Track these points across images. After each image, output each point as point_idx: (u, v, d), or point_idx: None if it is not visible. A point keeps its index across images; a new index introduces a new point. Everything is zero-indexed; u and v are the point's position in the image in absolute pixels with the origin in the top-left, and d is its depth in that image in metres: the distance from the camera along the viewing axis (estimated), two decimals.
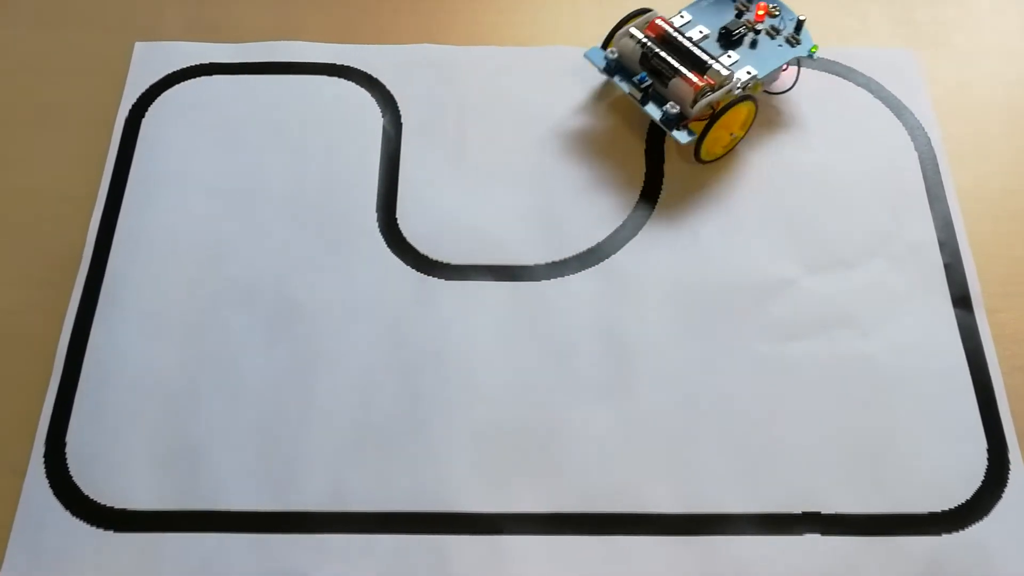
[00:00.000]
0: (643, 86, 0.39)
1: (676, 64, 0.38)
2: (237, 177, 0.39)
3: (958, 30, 0.43)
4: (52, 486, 0.33)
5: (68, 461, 0.33)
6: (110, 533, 0.32)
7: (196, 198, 0.38)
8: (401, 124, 0.40)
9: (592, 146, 0.40)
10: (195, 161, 0.39)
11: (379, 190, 0.39)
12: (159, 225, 0.38)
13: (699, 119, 0.38)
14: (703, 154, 0.38)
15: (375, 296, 0.36)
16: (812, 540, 0.32)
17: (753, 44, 0.40)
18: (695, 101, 0.37)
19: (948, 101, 0.41)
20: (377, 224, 0.38)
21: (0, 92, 0.41)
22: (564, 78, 0.42)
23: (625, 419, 0.34)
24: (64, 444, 0.33)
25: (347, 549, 0.32)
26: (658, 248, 0.37)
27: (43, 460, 0.33)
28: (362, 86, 0.41)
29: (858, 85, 0.41)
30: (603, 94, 0.41)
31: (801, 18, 0.40)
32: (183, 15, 0.43)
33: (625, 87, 0.39)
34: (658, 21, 0.39)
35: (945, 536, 0.32)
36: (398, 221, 0.38)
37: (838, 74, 0.42)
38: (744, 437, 0.33)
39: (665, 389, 0.34)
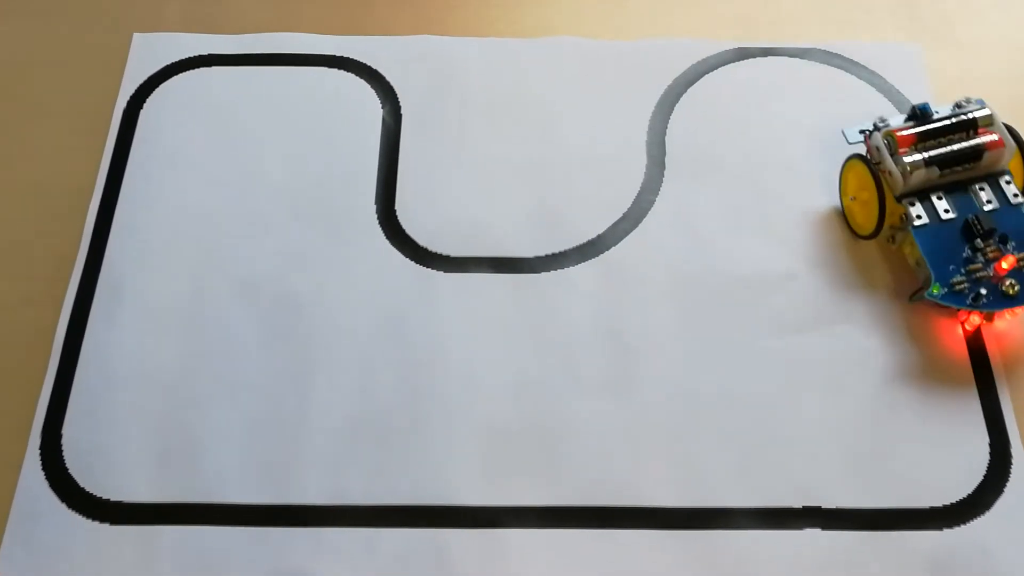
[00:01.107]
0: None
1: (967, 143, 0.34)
2: (235, 169, 0.39)
3: (961, 23, 0.43)
4: (48, 478, 0.32)
5: (64, 453, 0.33)
6: (106, 526, 0.32)
7: (194, 190, 0.38)
8: (401, 115, 0.40)
9: (593, 137, 0.40)
10: (193, 153, 0.39)
11: (378, 182, 0.39)
12: (156, 218, 0.38)
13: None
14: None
15: (373, 288, 0.36)
16: (813, 535, 0.32)
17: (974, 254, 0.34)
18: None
19: (950, 94, 0.41)
20: (376, 216, 0.38)
21: None
22: (565, 70, 0.41)
23: (625, 412, 0.34)
24: (60, 436, 0.33)
25: (346, 543, 0.31)
26: (659, 241, 0.37)
27: (39, 452, 0.33)
28: (361, 77, 0.41)
29: (860, 78, 0.41)
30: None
31: None
32: (181, 6, 0.43)
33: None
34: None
35: (946, 531, 0.32)
36: (397, 213, 0.38)
37: (840, 67, 0.41)
38: (745, 431, 0.33)
39: (665, 382, 0.34)
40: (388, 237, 0.37)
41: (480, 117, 0.40)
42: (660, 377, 0.34)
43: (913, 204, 0.35)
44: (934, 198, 0.35)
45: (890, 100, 0.41)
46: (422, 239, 0.37)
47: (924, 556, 0.31)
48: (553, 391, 0.34)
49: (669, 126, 0.40)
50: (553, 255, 0.37)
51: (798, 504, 0.32)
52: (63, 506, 0.32)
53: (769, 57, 0.42)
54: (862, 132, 0.37)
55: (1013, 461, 0.33)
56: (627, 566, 0.31)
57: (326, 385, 0.34)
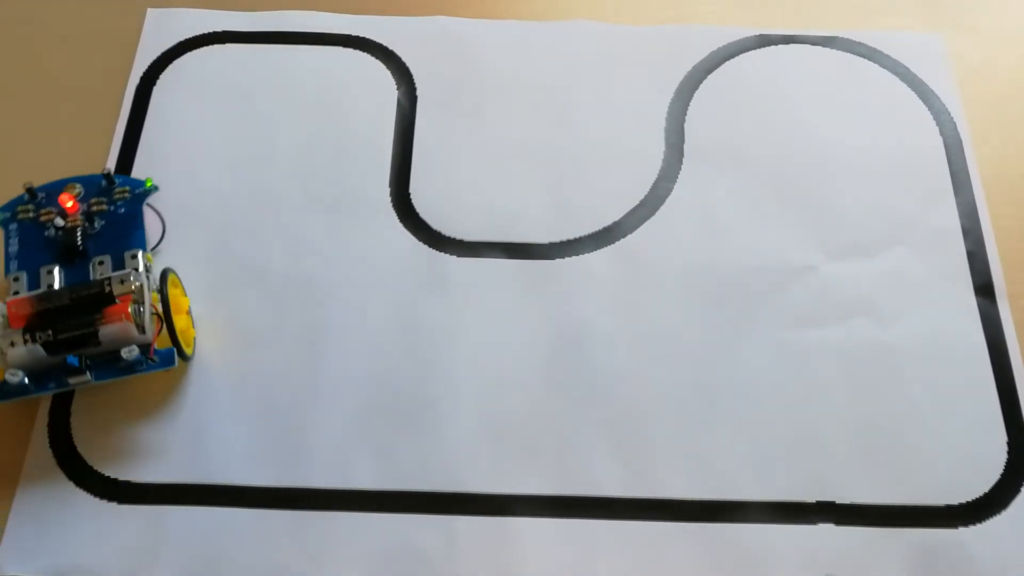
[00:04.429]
0: (83, 366, 0.31)
1: (82, 321, 0.31)
2: (247, 148, 0.38)
3: (983, 12, 0.43)
4: (56, 456, 0.32)
5: (73, 432, 0.33)
6: (114, 504, 0.31)
7: (205, 169, 0.38)
8: (416, 97, 0.40)
9: (610, 123, 0.39)
10: (205, 132, 0.39)
11: (392, 164, 0.38)
12: (168, 197, 0.37)
13: (157, 335, 0.32)
14: (187, 350, 0.33)
15: (386, 271, 0.36)
16: (826, 530, 0.31)
17: (98, 233, 0.34)
18: (140, 325, 0.31)
19: (972, 84, 0.40)
20: (390, 198, 0.37)
21: (7, 61, 0.41)
22: (583, 53, 0.41)
23: (637, 402, 0.33)
24: (69, 414, 0.33)
25: (353, 527, 0.31)
26: (676, 229, 0.37)
27: (47, 431, 0.33)
28: (377, 58, 0.41)
29: (884, 68, 0.41)
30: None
31: (105, 172, 0.35)
32: None
33: (73, 383, 0.31)
34: (11, 307, 0.31)
35: (962, 529, 0.31)
36: (411, 195, 0.37)
37: (863, 56, 0.41)
38: (759, 424, 0.33)
39: (680, 372, 0.34)
40: (401, 220, 0.37)
41: (496, 100, 0.40)
42: (674, 367, 0.34)
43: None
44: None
45: (913, 90, 0.40)
46: (436, 223, 0.37)
47: (939, 554, 0.31)
48: (565, 379, 0.34)
49: (688, 113, 0.39)
50: (568, 241, 0.36)
51: (812, 499, 0.32)
52: (71, 484, 0.32)
53: (791, 44, 0.41)
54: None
55: None
56: (638, 557, 0.31)
57: (336, 368, 0.34)
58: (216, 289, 0.35)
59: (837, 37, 0.41)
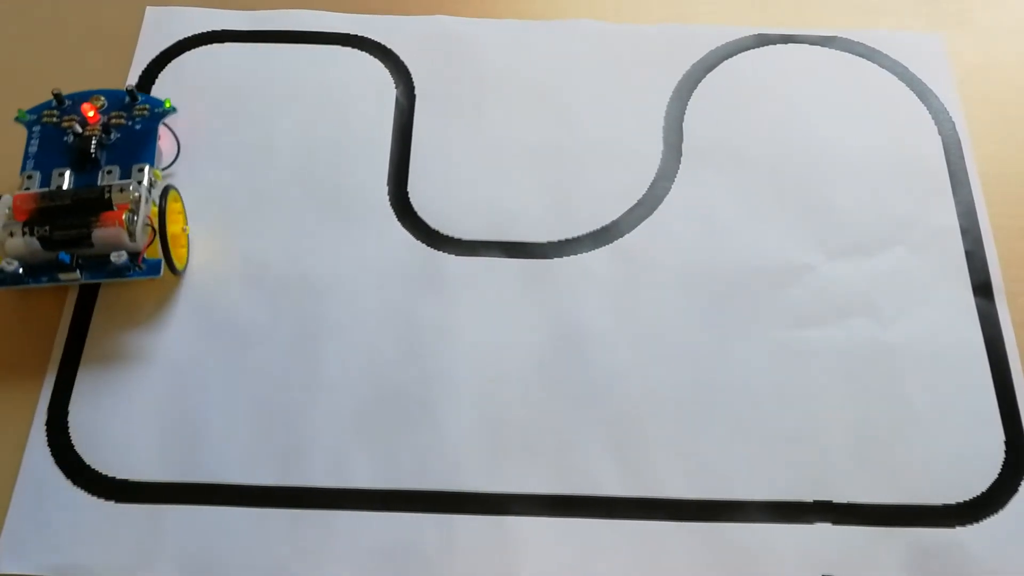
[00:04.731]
0: (74, 264, 0.33)
1: (79, 221, 0.33)
2: (247, 147, 0.38)
3: (981, 8, 0.43)
4: (54, 454, 0.32)
5: (71, 430, 0.33)
6: (111, 503, 0.31)
7: (204, 168, 0.38)
8: (414, 96, 0.40)
9: (609, 123, 0.39)
10: (204, 130, 0.39)
11: (391, 162, 0.38)
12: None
13: (150, 242, 0.34)
14: (178, 266, 0.34)
15: (384, 270, 0.36)
16: (823, 529, 0.31)
17: (113, 144, 0.36)
18: (132, 232, 0.33)
19: (970, 82, 0.40)
20: (388, 197, 0.37)
21: (5, 58, 0.41)
22: (582, 52, 0.41)
23: (635, 401, 0.33)
24: (67, 413, 0.33)
25: (351, 526, 0.31)
26: (674, 228, 0.37)
27: (45, 429, 0.33)
28: (375, 57, 0.41)
29: (883, 67, 0.41)
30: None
31: (128, 88, 0.37)
32: None
33: (63, 279, 0.33)
34: (17, 200, 0.33)
35: (959, 528, 0.31)
36: (409, 194, 0.37)
37: (862, 56, 0.41)
38: (757, 423, 0.33)
39: (677, 372, 0.34)
40: (400, 219, 0.37)
41: (495, 99, 0.40)
42: (672, 366, 0.34)
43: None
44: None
45: (912, 90, 0.40)
46: (434, 222, 0.37)
47: (936, 554, 0.31)
48: (564, 378, 0.34)
49: (686, 112, 0.39)
50: (566, 241, 0.36)
51: (809, 498, 0.32)
52: (68, 483, 0.32)
53: (789, 44, 0.41)
54: None
55: None
56: (635, 556, 0.31)
57: (334, 367, 0.34)
58: (213, 286, 0.35)
59: (836, 37, 0.41)
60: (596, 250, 0.36)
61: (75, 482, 0.32)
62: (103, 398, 0.33)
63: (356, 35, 0.41)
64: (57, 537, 0.31)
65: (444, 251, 0.36)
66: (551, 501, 0.32)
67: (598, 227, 0.37)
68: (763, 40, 0.41)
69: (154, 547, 0.31)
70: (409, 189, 0.38)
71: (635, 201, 0.37)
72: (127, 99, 0.37)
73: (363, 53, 0.41)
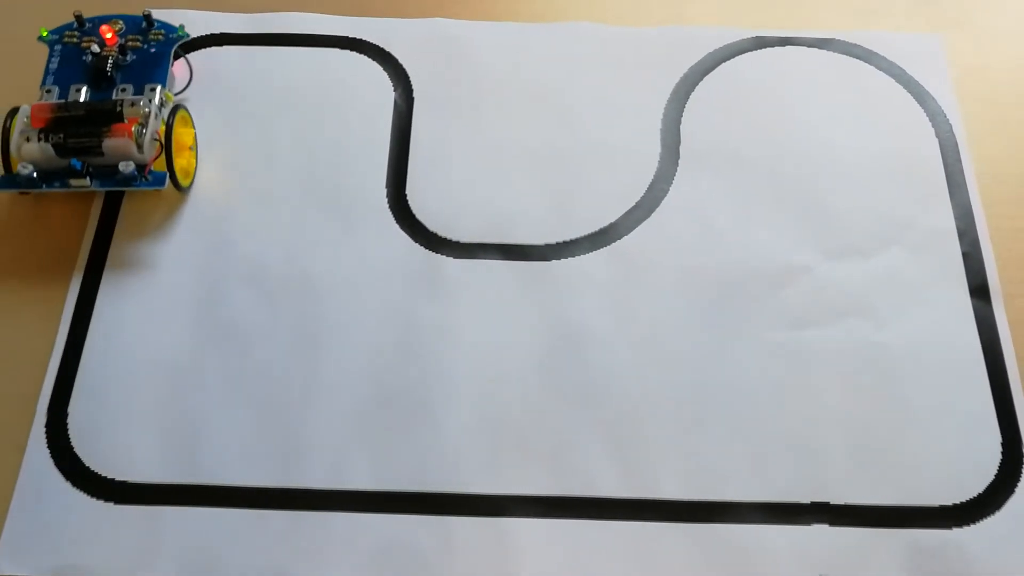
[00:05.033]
0: (84, 171, 0.35)
1: (92, 131, 0.35)
2: (246, 149, 0.39)
3: (980, 10, 0.43)
4: (53, 456, 0.32)
5: (70, 432, 0.33)
6: (110, 505, 0.32)
7: (205, 169, 0.38)
8: (413, 99, 0.40)
9: (607, 125, 0.39)
10: (205, 133, 0.39)
11: (389, 165, 0.38)
12: (166, 196, 0.37)
13: (158, 155, 0.36)
14: (182, 181, 0.37)
15: (382, 272, 0.36)
16: (820, 530, 0.31)
17: (128, 65, 0.38)
18: (140, 144, 0.35)
19: (968, 83, 0.40)
20: (386, 199, 0.37)
21: (5, 60, 0.41)
22: (580, 55, 0.41)
23: (633, 403, 0.33)
24: (66, 414, 0.33)
25: (350, 528, 0.31)
26: (671, 230, 0.37)
27: (44, 430, 0.33)
28: (374, 59, 0.41)
29: (880, 69, 0.41)
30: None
31: (145, 13, 0.39)
32: None
33: (74, 185, 0.35)
34: (35, 109, 0.35)
35: (956, 529, 0.31)
36: (407, 197, 0.38)
37: (860, 58, 0.41)
38: (754, 425, 0.33)
39: (675, 374, 0.34)
40: (398, 221, 0.37)
41: (493, 102, 0.40)
42: (670, 368, 0.34)
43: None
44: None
45: (909, 92, 0.40)
46: (432, 224, 0.37)
47: (933, 554, 0.31)
48: (561, 380, 0.34)
49: (684, 115, 0.39)
50: (564, 243, 0.37)
51: (806, 499, 0.32)
52: (68, 484, 0.32)
53: (787, 46, 0.41)
54: None
55: None
56: (632, 557, 0.31)
57: (333, 369, 0.34)
58: (212, 288, 0.35)
59: (834, 39, 0.41)
60: (594, 252, 0.36)
61: (74, 484, 0.32)
62: (102, 400, 0.33)
63: (355, 38, 0.41)
64: (57, 539, 0.31)
65: (442, 253, 0.36)
66: (549, 503, 0.32)
67: (596, 229, 0.37)
68: (761, 42, 0.41)
69: (153, 548, 0.31)
70: (408, 191, 0.38)
71: (633, 203, 0.37)
72: (144, 24, 0.39)
73: (362, 56, 0.41)
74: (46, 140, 0.35)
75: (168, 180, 0.36)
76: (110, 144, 0.35)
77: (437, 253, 0.36)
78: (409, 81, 0.40)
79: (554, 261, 0.36)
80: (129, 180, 0.35)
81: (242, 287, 0.36)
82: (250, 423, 0.33)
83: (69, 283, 0.36)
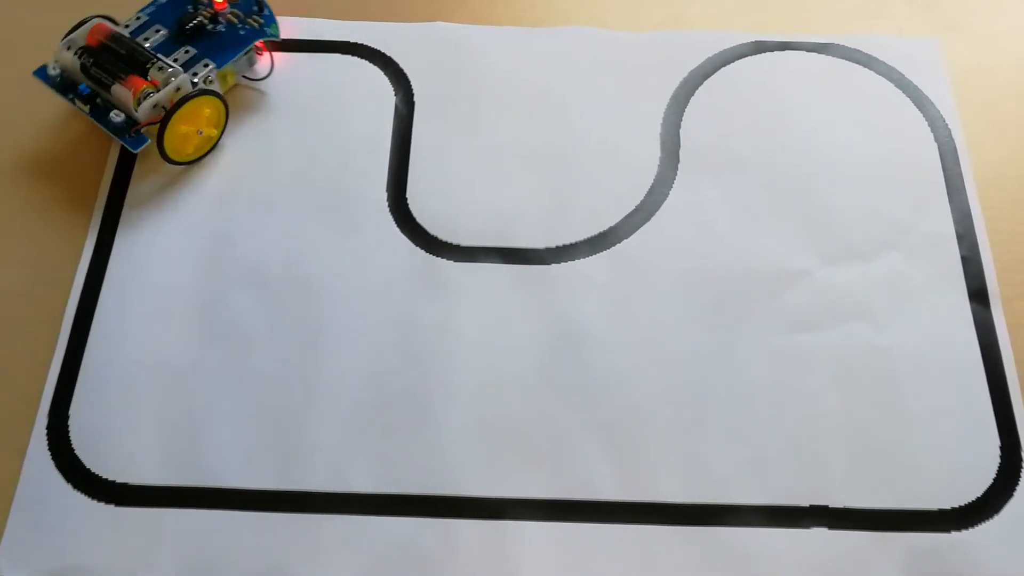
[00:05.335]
0: (87, 99, 0.37)
1: (115, 70, 0.36)
2: (247, 153, 0.39)
3: (978, 13, 0.43)
4: (54, 458, 0.32)
5: (71, 434, 0.33)
6: (111, 507, 0.32)
7: (205, 173, 0.38)
8: (414, 103, 0.40)
9: (607, 129, 0.39)
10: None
11: (390, 169, 0.38)
12: (167, 200, 0.38)
13: (154, 122, 0.36)
14: (171, 154, 0.37)
15: (383, 276, 0.36)
16: (819, 534, 0.31)
17: (216, 35, 0.39)
18: (139, 103, 0.36)
19: (967, 87, 0.41)
20: (387, 203, 0.38)
21: (4, 67, 0.41)
22: (580, 59, 0.41)
23: (633, 406, 0.33)
24: (67, 417, 0.33)
25: (350, 530, 0.31)
26: (671, 234, 0.37)
27: (45, 432, 0.33)
28: (374, 64, 0.41)
29: (879, 74, 0.41)
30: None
31: None
32: None
33: (76, 104, 0.37)
34: (95, 29, 0.37)
35: (954, 533, 0.31)
36: (408, 200, 0.38)
37: (859, 62, 0.41)
38: (753, 428, 0.33)
39: (674, 377, 0.34)
40: (399, 225, 0.37)
41: (493, 106, 0.40)
42: (669, 371, 0.34)
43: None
44: None
45: (908, 96, 0.40)
46: (432, 228, 0.37)
47: (931, 558, 0.31)
48: (560, 383, 0.34)
49: (684, 119, 0.40)
50: (564, 247, 0.37)
51: (805, 503, 0.32)
52: (68, 486, 0.32)
53: (786, 51, 0.41)
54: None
55: None
56: (632, 561, 0.31)
57: (333, 372, 0.34)
58: (213, 292, 0.35)
59: (832, 44, 0.41)
60: (594, 256, 0.36)
61: (75, 486, 0.32)
62: (103, 402, 0.33)
63: (355, 43, 0.41)
64: (58, 541, 0.31)
65: (443, 257, 0.36)
66: (549, 505, 0.32)
67: (596, 233, 0.37)
68: (760, 47, 0.41)
69: (154, 550, 0.31)
70: (408, 195, 0.38)
71: (633, 207, 0.38)
72: (255, 7, 0.39)
73: (362, 60, 0.41)
74: (80, 57, 0.37)
75: (147, 147, 0.37)
76: (117, 91, 0.36)
77: (437, 256, 0.36)
78: (410, 85, 0.40)
79: (554, 265, 0.36)
80: (116, 129, 0.37)
81: (243, 290, 0.36)
82: (250, 426, 0.33)
83: (70, 285, 0.36)
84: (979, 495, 0.32)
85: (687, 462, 0.32)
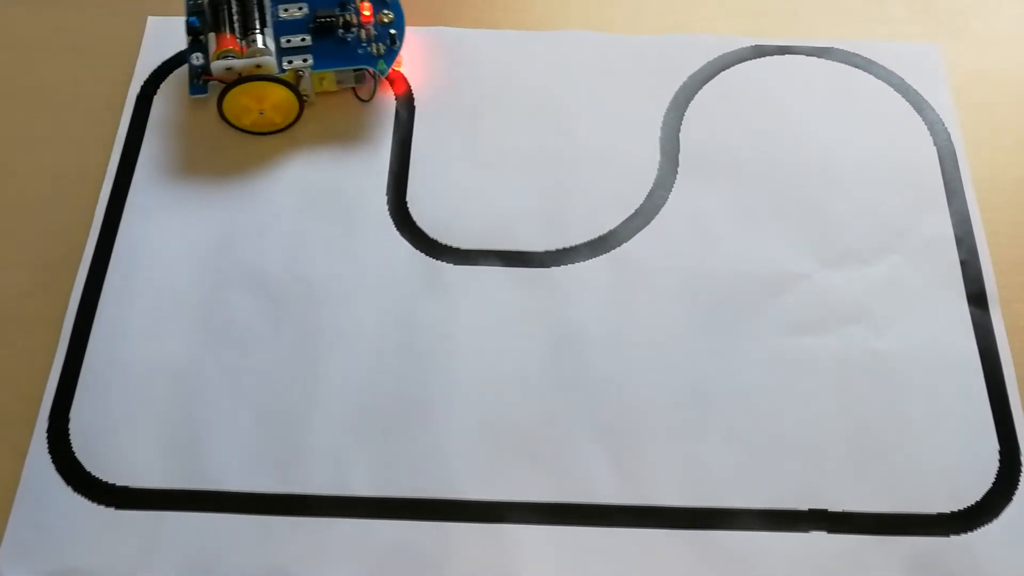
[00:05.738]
0: (196, 30, 0.39)
1: (227, 19, 0.38)
2: (248, 155, 0.39)
3: (976, 16, 0.43)
4: (54, 462, 0.32)
5: (71, 437, 0.33)
6: (112, 510, 0.32)
7: (206, 176, 0.38)
8: (414, 107, 0.40)
9: (606, 133, 0.39)
10: (206, 140, 0.39)
11: (390, 172, 0.38)
12: (168, 204, 0.38)
13: (223, 80, 0.38)
14: (226, 114, 0.38)
15: (383, 279, 0.36)
16: (818, 538, 0.31)
17: (339, 40, 0.39)
18: (219, 58, 0.37)
19: (966, 91, 0.41)
20: (387, 207, 0.38)
21: (7, 70, 0.41)
22: (580, 63, 0.41)
23: (632, 410, 0.33)
24: (68, 420, 0.33)
25: (349, 534, 0.31)
26: (671, 238, 0.37)
27: (46, 436, 0.33)
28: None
29: (878, 78, 0.41)
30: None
31: (394, 32, 0.39)
32: None
33: (186, 26, 0.39)
34: (222, 38, 0.38)
35: (953, 537, 0.31)
36: (408, 204, 0.38)
37: (858, 66, 0.41)
38: (752, 432, 0.33)
39: (674, 381, 0.34)
40: (399, 228, 0.37)
41: (493, 110, 0.40)
42: (669, 375, 0.34)
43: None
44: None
45: (908, 100, 0.40)
46: (432, 231, 0.37)
47: (930, 562, 0.31)
48: (560, 387, 0.34)
49: (684, 123, 0.40)
50: (564, 250, 0.37)
51: (804, 506, 0.32)
52: (69, 489, 0.32)
53: (786, 55, 0.41)
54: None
55: (1023, 469, 0.32)
56: (630, 564, 0.31)
57: (333, 375, 0.34)
58: (214, 295, 0.36)
59: (832, 48, 0.41)
60: (594, 259, 0.37)
61: (75, 488, 0.32)
62: (104, 405, 0.33)
63: None
64: (58, 543, 0.31)
65: (443, 260, 0.36)
66: (548, 509, 0.32)
67: (596, 236, 0.37)
68: (759, 51, 0.41)
69: (154, 553, 0.31)
70: (408, 199, 0.38)
71: (633, 210, 0.38)
72: (388, 40, 0.39)
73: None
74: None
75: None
76: (210, 38, 0.38)
77: (437, 260, 0.36)
78: (410, 89, 0.40)
79: (554, 268, 0.36)
80: (193, 67, 0.39)
81: (244, 293, 0.36)
82: (251, 429, 0.33)
83: (71, 287, 0.36)
84: (978, 499, 0.32)
85: (687, 465, 0.32)
